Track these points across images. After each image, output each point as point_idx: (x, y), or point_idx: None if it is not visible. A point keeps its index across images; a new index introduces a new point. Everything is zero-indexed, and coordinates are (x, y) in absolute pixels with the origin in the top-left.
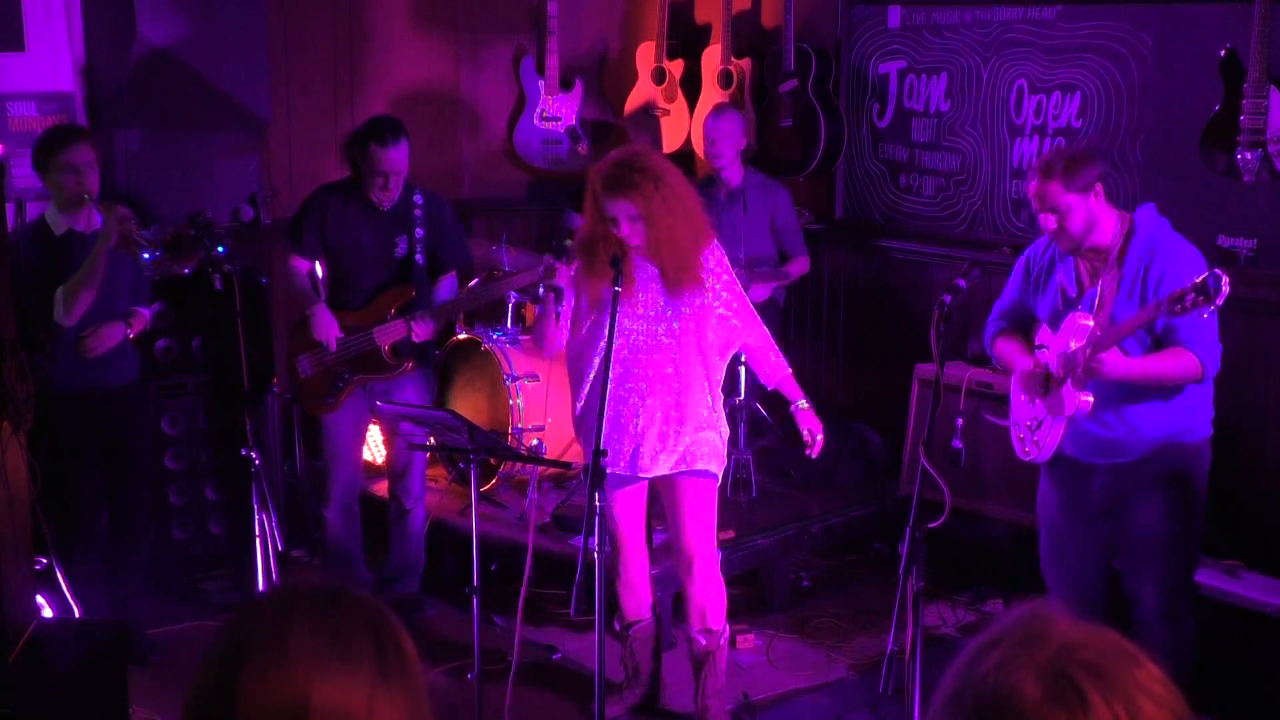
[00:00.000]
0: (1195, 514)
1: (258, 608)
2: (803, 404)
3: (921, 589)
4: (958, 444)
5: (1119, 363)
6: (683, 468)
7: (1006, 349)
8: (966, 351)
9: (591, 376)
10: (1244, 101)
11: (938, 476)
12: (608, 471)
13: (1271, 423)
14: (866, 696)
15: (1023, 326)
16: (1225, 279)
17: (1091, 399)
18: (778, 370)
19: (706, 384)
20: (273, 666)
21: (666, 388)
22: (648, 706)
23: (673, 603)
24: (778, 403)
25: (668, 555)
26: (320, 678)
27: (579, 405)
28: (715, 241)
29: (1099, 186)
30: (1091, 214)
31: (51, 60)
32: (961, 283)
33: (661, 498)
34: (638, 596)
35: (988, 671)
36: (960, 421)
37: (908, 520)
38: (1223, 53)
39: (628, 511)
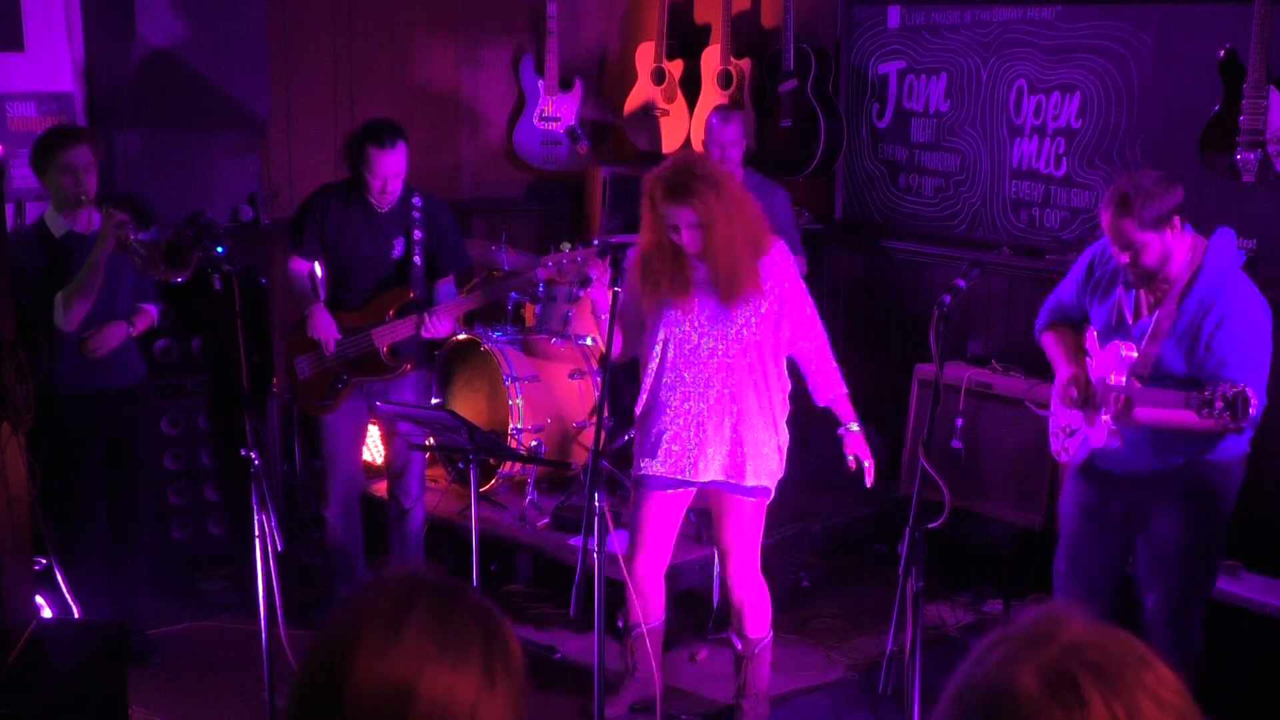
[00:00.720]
0: (1216, 529)
1: (380, 589)
2: (853, 427)
3: (921, 589)
4: (957, 444)
5: (1151, 416)
6: (736, 479)
7: (1053, 348)
8: (966, 352)
9: (649, 382)
10: (1243, 102)
11: (937, 477)
12: (654, 474)
13: (1272, 424)
14: (866, 697)
15: (1074, 323)
16: (1255, 404)
17: (1119, 444)
18: (831, 388)
19: (768, 392)
20: (387, 646)
21: (723, 395)
22: (647, 707)
23: (674, 603)
24: None
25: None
26: (432, 665)
27: (638, 409)
28: (781, 245)
29: (1176, 220)
30: (1167, 248)
31: (51, 61)
32: (961, 283)
33: (710, 505)
34: (646, 599)
35: (989, 668)
36: (960, 422)
37: (907, 520)
38: (1222, 53)
39: (662, 515)
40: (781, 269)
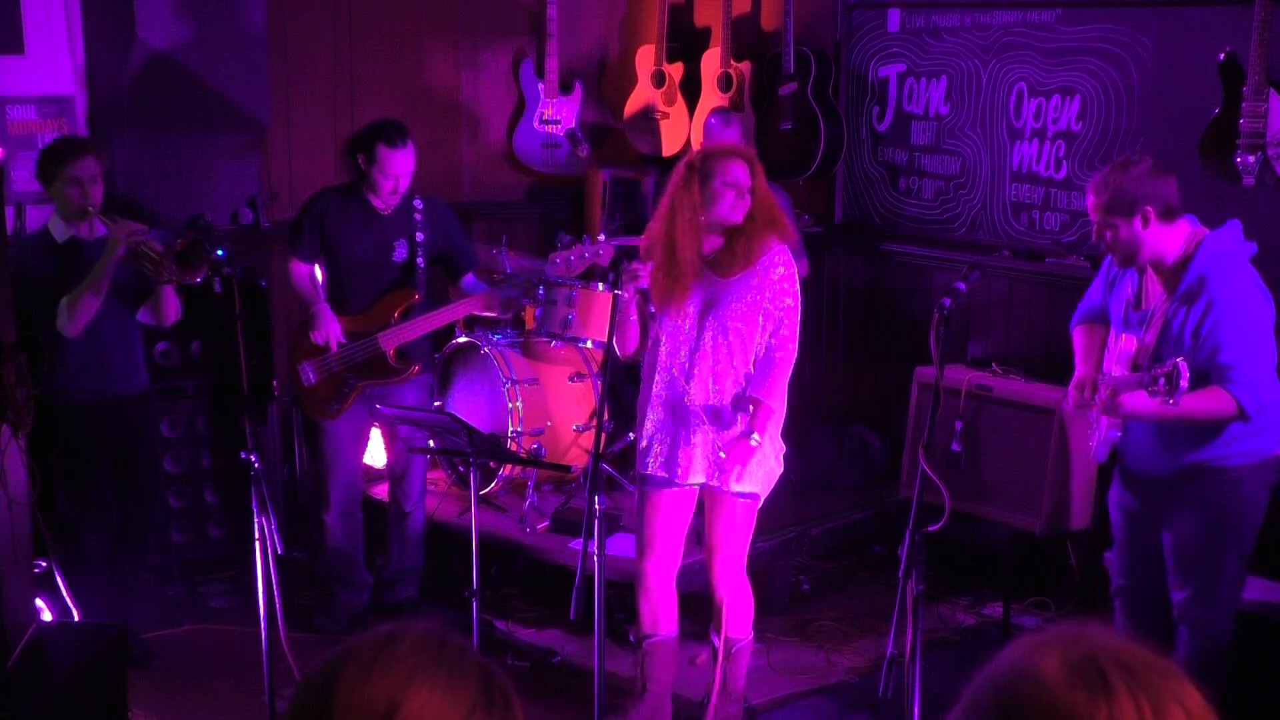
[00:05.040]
0: (1233, 537)
1: (371, 630)
2: (754, 439)
3: (921, 592)
4: (957, 447)
5: (1138, 405)
6: (719, 484)
7: (1077, 346)
8: (966, 354)
9: (654, 378)
10: (1243, 105)
11: (937, 479)
12: (649, 472)
13: None
14: (866, 700)
15: (1105, 320)
16: (1184, 370)
17: (1119, 434)
18: (761, 391)
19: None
20: (374, 664)
21: (707, 396)
22: None
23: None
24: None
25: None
26: (418, 684)
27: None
28: (785, 247)
29: (1149, 210)
30: (1136, 236)
31: (51, 63)
32: (961, 286)
33: (704, 504)
34: (655, 609)
35: (1012, 658)
36: (960, 425)
37: (907, 523)
38: (1222, 56)
39: (666, 516)
40: (779, 268)
